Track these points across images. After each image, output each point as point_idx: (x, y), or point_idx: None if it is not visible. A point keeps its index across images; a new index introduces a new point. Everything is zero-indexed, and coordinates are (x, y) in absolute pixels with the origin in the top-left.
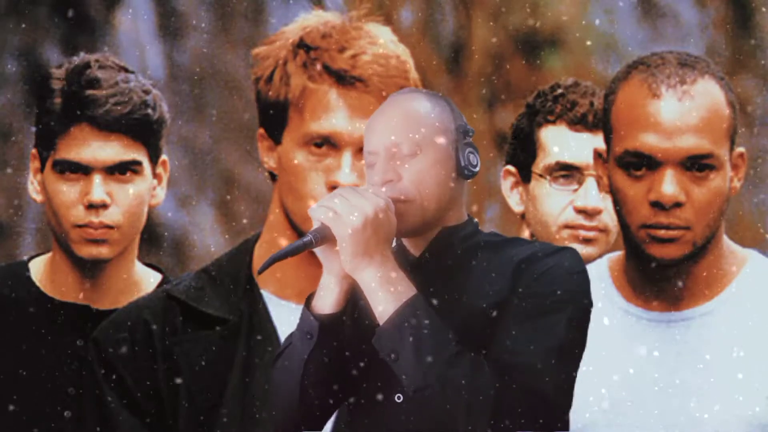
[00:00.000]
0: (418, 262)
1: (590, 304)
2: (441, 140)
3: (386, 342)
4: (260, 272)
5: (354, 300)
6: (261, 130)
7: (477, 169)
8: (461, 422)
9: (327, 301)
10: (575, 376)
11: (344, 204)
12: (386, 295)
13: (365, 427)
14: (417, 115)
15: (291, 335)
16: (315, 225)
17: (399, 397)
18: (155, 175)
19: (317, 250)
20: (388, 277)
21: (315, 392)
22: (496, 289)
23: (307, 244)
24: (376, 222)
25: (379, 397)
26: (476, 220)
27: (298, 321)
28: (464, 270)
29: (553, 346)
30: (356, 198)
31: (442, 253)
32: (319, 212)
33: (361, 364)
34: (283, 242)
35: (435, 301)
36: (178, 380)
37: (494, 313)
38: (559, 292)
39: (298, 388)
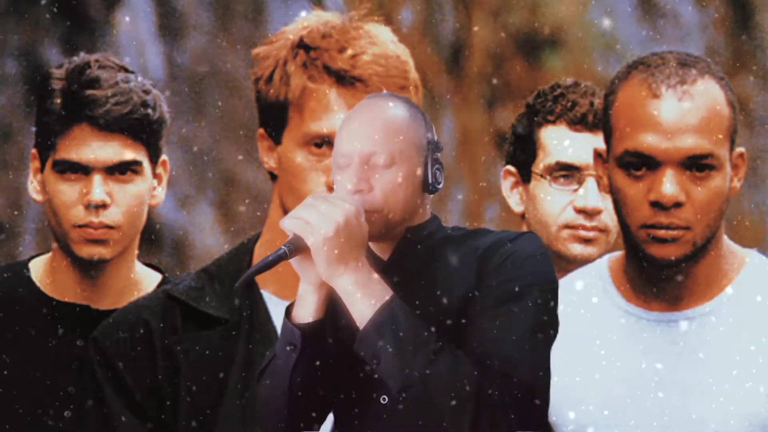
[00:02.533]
0: (387, 265)
1: (555, 284)
2: (415, 155)
3: (367, 346)
4: (237, 287)
5: (333, 307)
6: (261, 130)
7: (440, 186)
8: (447, 417)
9: (307, 311)
10: (549, 357)
11: (315, 213)
12: (363, 299)
13: (353, 430)
14: (396, 126)
15: (273, 349)
16: (290, 237)
17: (384, 399)
18: (155, 175)
19: (293, 261)
20: (363, 281)
21: (303, 402)
22: (463, 282)
23: (281, 257)
24: (347, 228)
25: (365, 400)
26: (438, 216)
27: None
28: (431, 267)
29: (524, 332)
30: (326, 206)
31: (409, 254)
32: (291, 224)
33: (345, 370)
34: (283, 242)
35: (408, 299)
36: (178, 380)
37: (463, 307)
38: (521, 277)
39: (286, 399)
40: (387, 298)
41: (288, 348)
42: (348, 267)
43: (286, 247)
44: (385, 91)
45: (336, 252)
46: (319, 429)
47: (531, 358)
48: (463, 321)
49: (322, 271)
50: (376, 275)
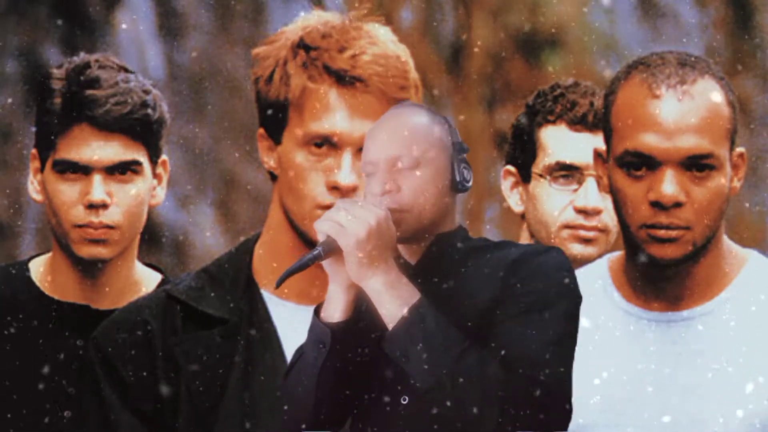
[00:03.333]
0: (415, 269)
1: (580, 298)
2: (440, 156)
3: (397, 345)
4: (277, 286)
5: (357, 307)
6: (261, 130)
7: (470, 184)
8: (473, 418)
9: (336, 310)
10: (572, 366)
11: (348, 216)
12: (393, 299)
13: (372, 430)
14: (419, 130)
15: (301, 347)
16: (321, 238)
17: (404, 399)
18: (155, 175)
19: (324, 262)
20: (393, 282)
21: (330, 401)
22: (489, 289)
23: (316, 257)
24: (379, 232)
25: (387, 400)
26: (466, 227)
27: (299, 324)
28: (459, 273)
29: (552, 340)
30: (358, 210)
31: (438, 259)
32: (325, 226)
33: (367, 370)
34: (284, 242)
35: (434, 305)
36: (178, 380)
37: (488, 314)
38: (552, 288)
39: (313, 398)
40: (416, 299)
41: (317, 347)
42: (378, 269)
43: (320, 249)
44: (408, 101)
45: (367, 254)
46: (342, 428)
47: (558, 364)
48: (489, 327)
49: (353, 272)
50: (404, 277)
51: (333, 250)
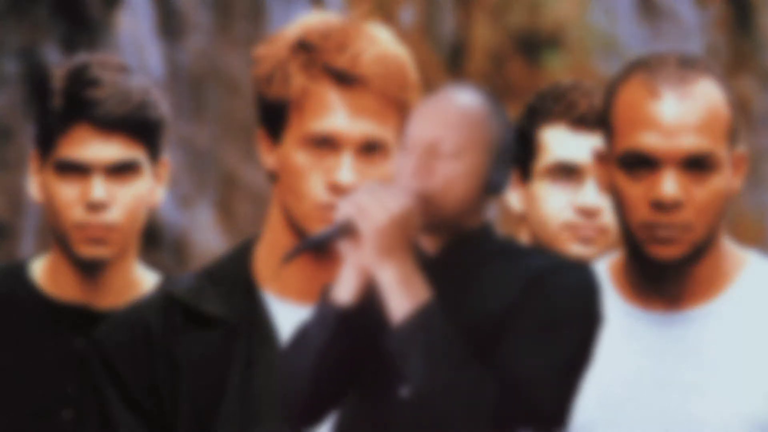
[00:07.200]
0: (432, 262)
1: (600, 323)
2: (483, 151)
3: (397, 342)
4: (285, 261)
5: (369, 294)
6: (261, 130)
7: (503, 189)
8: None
9: (346, 293)
10: (577, 394)
11: (371, 200)
12: (402, 295)
13: (368, 425)
14: (468, 117)
15: (304, 324)
16: (341, 218)
17: (404, 391)
18: (155, 175)
19: (341, 242)
20: (406, 277)
21: (327, 382)
22: (508, 297)
23: (330, 237)
24: (401, 221)
25: (383, 395)
26: (492, 225)
27: (307, 315)
28: (477, 275)
29: (560, 363)
30: (383, 195)
31: (458, 256)
32: (346, 206)
33: (366, 360)
34: (284, 242)
35: (444, 303)
36: (178, 380)
37: (500, 324)
38: (572, 309)
39: (310, 376)
40: (426, 299)
41: (321, 327)
42: (393, 260)
43: (336, 229)
44: (465, 83)
45: (384, 242)
46: (330, 413)
47: (559, 392)
48: (496, 339)
49: (368, 259)
50: (419, 274)
51: (350, 232)
